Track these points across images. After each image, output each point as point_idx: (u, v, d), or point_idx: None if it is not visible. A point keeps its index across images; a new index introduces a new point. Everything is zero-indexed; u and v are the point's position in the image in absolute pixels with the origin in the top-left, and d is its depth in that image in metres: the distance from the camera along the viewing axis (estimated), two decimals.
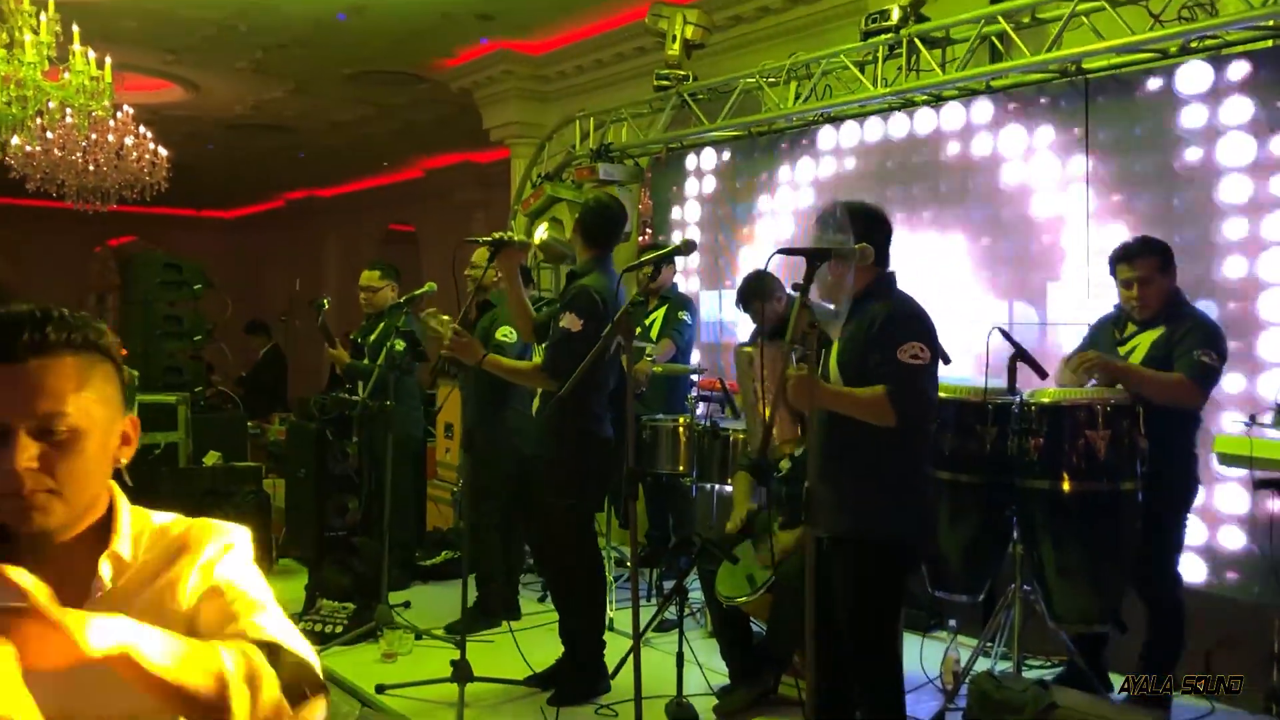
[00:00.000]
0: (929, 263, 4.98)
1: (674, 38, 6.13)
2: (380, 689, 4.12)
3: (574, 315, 3.90)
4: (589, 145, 6.81)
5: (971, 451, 3.69)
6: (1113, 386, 3.66)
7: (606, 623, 4.32)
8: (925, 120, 5.12)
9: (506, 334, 4.84)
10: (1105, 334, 3.88)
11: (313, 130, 11.50)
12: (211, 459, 6.47)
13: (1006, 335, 3.88)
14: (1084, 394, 3.59)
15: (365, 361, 5.71)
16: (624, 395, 3.49)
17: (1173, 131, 4.19)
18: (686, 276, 6.40)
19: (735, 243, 6.23)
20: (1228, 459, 3.54)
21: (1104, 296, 4.07)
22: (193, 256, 8.86)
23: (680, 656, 3.72)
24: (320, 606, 4.92)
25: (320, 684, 1.23)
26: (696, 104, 6.09)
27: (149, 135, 8.60)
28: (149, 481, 5.52)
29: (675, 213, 6.67)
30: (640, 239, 7.19)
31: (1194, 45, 4.08)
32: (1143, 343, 3.72)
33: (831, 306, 2.96)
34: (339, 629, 4.78)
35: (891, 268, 3.13)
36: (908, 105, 5.19)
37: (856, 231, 2.91)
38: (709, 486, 5.34)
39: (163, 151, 8.68)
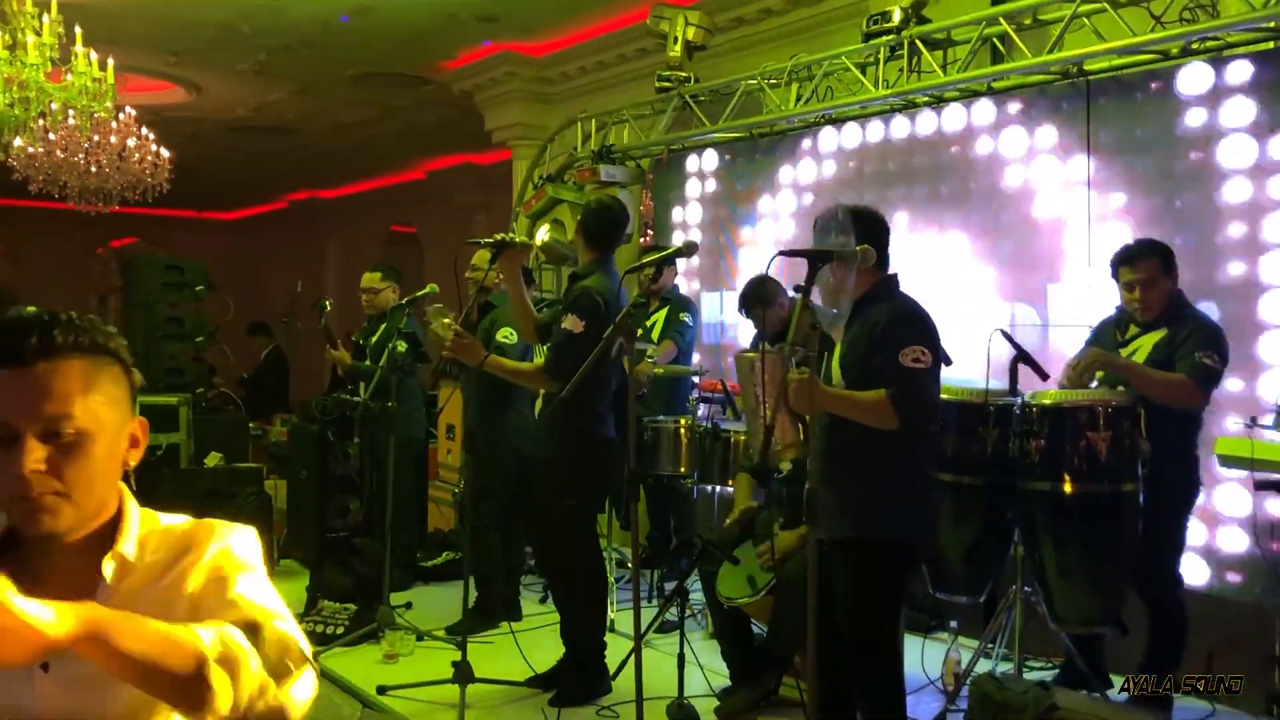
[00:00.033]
0: (930, 264, 4.98)
1: (676, 39, 6.13)
2: (381, 690, 4.12)
3: (576, 317, 3.91)
4: (590, 147, 6.82)
5: (973, 453, 3.69)
6: (1115, 388, 3.66)
7: (608, 624, 4.32)
8: (926, 122, 5.12)
9: (507, 335, 4.85)
10: (1107, 336, 3.88)
11: (315, 132, 11.52)
12: (213, 460, 6.48)
13: (1008, 337, 3.88)
14: (1085, 396, 3.59)
15: (367, 363, 5.72)
16: (625, 397, 3.50)
17: (1174, 133, 4.19)
18: (688, 278, 6.41)
19: (736, 244, 6.23)
20: (1228, 460, 3.54)
21: (1105, 298, 4.07)
22: (194, 258, 8.88)
23: (681, 658, 3.72)
24: (322, 607, 4.93)
25: (304, 657, 1.23)
26: (698, 105, 6.09)
27: (151, 137, 8.62)
28: (150, 483, 5.52)
29: (676, 214, 6.67)
30: (642, 240, 7.20)
31: (1195, 47, 4.08)
32: (1145, 345, 3.72)
33: (835, 311, 2.97)
34: (340, 630, 4.78)
35: (893, 270, 3.13)
36: (909, 107, 5.19)
37: (858, 233, 2.91)
38: (710, 488, 5.34)
39: (165, 153, 8.69)
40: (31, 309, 1.27)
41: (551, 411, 3.95)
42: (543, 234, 6.47)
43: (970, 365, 3.81)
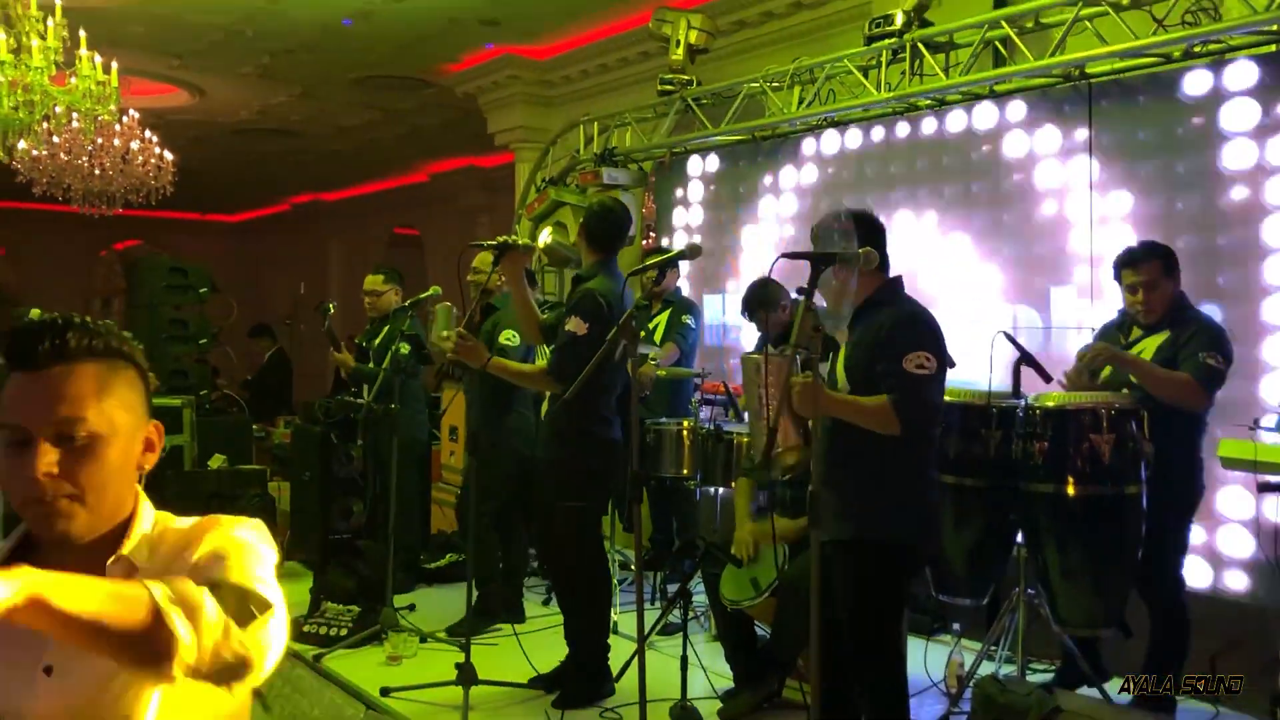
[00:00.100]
0: (933, 266, 4.99)
1: (678, 42, 6.14)
2: (385, 692, 4.12)
3: (579, 319, 3.92)
4: (593, 149, 6.83)
5: (976, 455, 3.69)
6: (1118, 390, 3.66)
7: (611, 626, 4.33)
8: (928, 125, 5.13)
9: (510, 337, 4.86)
10: (1111, 338, 3.88)
11: (318, 135, 11.54)
12: (216, 462, 6.49)
13: (1011, 339, 3.89)
14: (1088, 398, 3.60)
15: (370, 365, 5.73)
16: (628, 399, 3.51)
17: (1176, 135, 4.20)
18: (690, 281, 6.41)
19: (738, 247, 6.24)
20: (1231, 463, 3.54)
21: (1108, 301, 4.07)
22: (198, 260, 8.90)
23: (684, 660, 3.73)
24: (325, 609, 4.94)
25: (266, 603, 1.20)
26: (700, 108, 6.10)
27: (154, 139, 8.63)
28: (154, 485, 5.52)
29: (678, 217, 6.68)
30: (644, 243, 7.21)
31: (1197, 49, 4.08)
32: (1148, 347, 3.72)
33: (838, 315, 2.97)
34: (344, 632, 4.79)
35: (896, 273, 3.14)
36: (911, 110, 5.20)
37: (860, 236, 2.91)
38: (713, 490, 5.35)
39: (168, 156, 8.71)
40: (37, 312, 1.28)
41: (555, 413, 3.96)
42: (545, 236, 6.47)
43: (973, 367, 3.82)
